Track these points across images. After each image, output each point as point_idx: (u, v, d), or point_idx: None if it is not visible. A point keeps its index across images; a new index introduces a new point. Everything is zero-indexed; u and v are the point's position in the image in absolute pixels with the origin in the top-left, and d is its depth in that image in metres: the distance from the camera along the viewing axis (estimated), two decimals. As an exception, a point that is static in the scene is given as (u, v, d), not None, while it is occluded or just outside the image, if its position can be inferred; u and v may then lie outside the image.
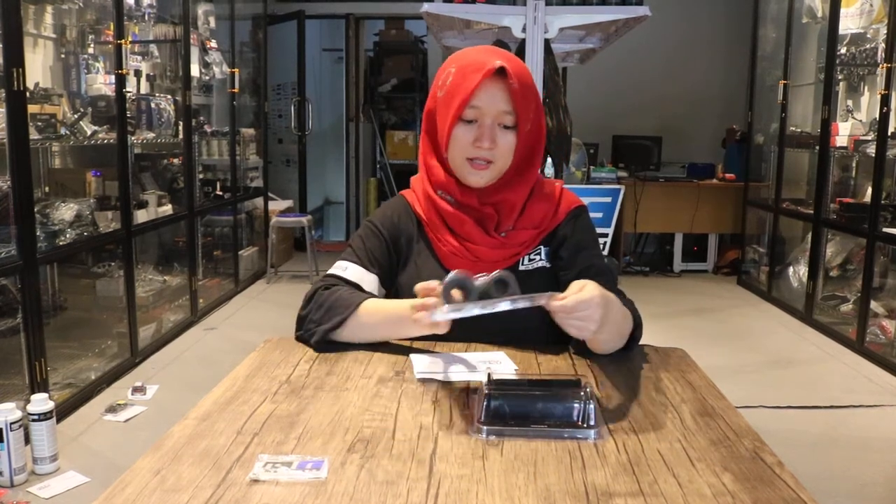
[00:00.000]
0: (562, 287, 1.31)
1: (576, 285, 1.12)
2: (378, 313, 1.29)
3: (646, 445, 0.93)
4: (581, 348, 1.29)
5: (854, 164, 4.72)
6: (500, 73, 1.26)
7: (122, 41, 3.52)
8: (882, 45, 4.02)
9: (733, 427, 0.99)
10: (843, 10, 4.38)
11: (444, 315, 1.08)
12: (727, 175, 6.15)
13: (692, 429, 0.98)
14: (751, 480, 0.84)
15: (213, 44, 5.19)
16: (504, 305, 1.05)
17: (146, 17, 4.19)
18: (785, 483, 0.84)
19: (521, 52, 2.83)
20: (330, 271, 1.39)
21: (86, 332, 3.69)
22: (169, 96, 4.36)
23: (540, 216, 1.37)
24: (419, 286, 1.15)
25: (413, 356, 1.25)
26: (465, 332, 1.25)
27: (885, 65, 3.86)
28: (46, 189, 3.55)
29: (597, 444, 0.93)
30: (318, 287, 1.35)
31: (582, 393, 0.97)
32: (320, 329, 1.29)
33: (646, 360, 1.28)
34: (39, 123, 3.05)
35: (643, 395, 1.11)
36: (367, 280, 1.37)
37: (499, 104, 1.27)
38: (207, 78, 5.14)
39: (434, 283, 1.12)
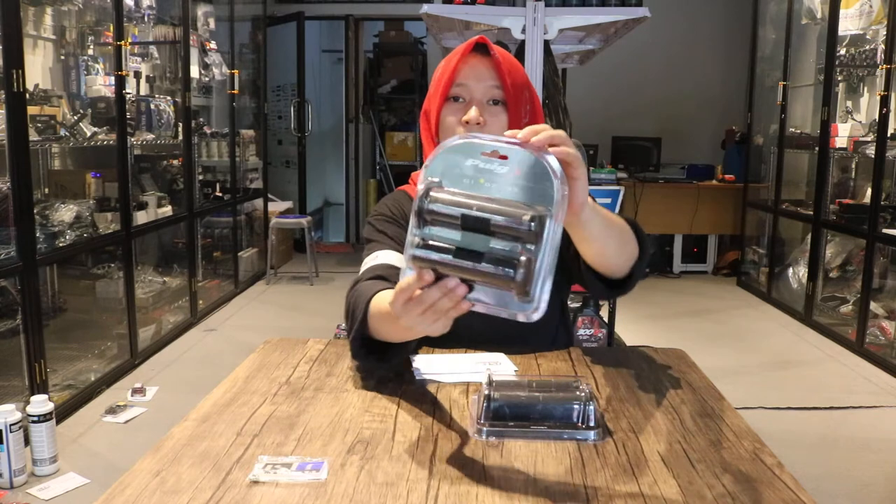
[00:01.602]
0: (563, 271, 1.17)
1: None
2: (381, 309, 1.09)
3: (645, 447, 0.93)
4: (590, 277, 1.18)
5: (853, 166, 4.72)
6: (483, 52, 1.27)
7: (122, 42, 3.52)
8: (881, 47, 4.03)
9: (733, 428, 0.99)
10: (842, 12, 4.38)
11: (422, 253, 0.84)
12: (727, 176, 6.15)
13: (692, 430, 0.98)
14: (750, 482, 0.84)
15: (213, 45, 5.19)
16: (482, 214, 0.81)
17: (146, 19, 4.19)
18: (785, 484, 0.84)
19: (520, 53, 2.83)
20: (361, 271, 1.26)
21: (85, 333, 3.69)
22: (168, 97, 4.36)
23: None
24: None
25: (413, 357, 1.25)
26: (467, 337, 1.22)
27: (884, 66, 3.87)
28: (46, 190, 3.55)
29: (597, 445, 0.93)
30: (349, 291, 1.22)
31: (582, 394, 0.97)
32: (350, 341, 1.16)
33: (646, 361, 1.28)
34: (39, 125, 3.06)
35: (643, 396, 1.11)
36: (400, 258, 1.24)
37: (485, 79, 1.27)
38: (207, 79, 5.14)
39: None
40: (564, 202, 0.82)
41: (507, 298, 0.83)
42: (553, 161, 0.82)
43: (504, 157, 0.83)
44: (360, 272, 1.26)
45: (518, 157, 0.83)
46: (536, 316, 0.82)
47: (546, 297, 0.82)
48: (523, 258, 0.80)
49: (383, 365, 1.15)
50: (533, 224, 0.80)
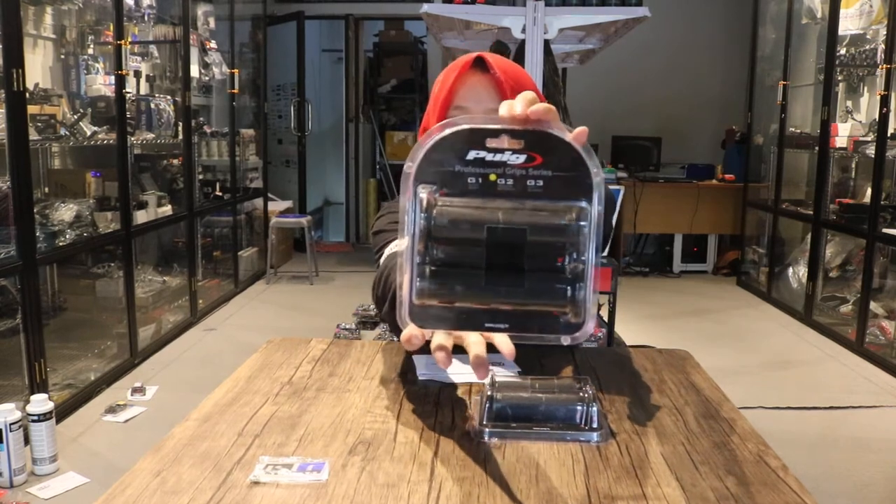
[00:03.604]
0: None
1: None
2: None
3: (649, 448, 0.92)
4: None
5: (853, 165, 4.72)
6: (483, 68, 1.19)
7: (122, 42, 3.51)
8: (881, 46, 4.03)
9: (737, 430, 0.99)
10: (842, 11, 4.38)
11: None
12: (727, 176, 6.15)
13: (696, 432, 0.98)
14: (755, 484, 0.84)
15: (213, 44, 5.19)
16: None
17: (146, 18, 4.19)
18: (789, 487, 0.83)
19: (520, 52, 2.83)
20: (382, 261, 1.18)
21: (85, 332, 3.68)
22: (168, 97, 4.36)
23: None
24: None
25: (415, 357, 1.24)
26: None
27: (884, 66, 3.86)
28: (46, 190, 3.55)
29: (599, 446, 0.92)
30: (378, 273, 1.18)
31: (585, 395, 0.97)
32: (379, 303, 1.15)
33: (649, 361, 1.28)
34: (39, 124, 3.05)
35: (646, 397, 1.10)
36: None
37: (484, 100, 1.19)
38: (207, 79, 5.14)
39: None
40: (601, 187, 0.65)
41: (548, 321, 0.68)
42: (578, 146, 0.65)
43: (517, 144, 0.65)
44: (391, 251, 1.17)
45: (535, 140, 0.64)
46: (584, 334, 0.67)
47: (591, 307, 0.66)
48: (579, 270, 0.64)
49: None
50: (581, 225, 0.63)
